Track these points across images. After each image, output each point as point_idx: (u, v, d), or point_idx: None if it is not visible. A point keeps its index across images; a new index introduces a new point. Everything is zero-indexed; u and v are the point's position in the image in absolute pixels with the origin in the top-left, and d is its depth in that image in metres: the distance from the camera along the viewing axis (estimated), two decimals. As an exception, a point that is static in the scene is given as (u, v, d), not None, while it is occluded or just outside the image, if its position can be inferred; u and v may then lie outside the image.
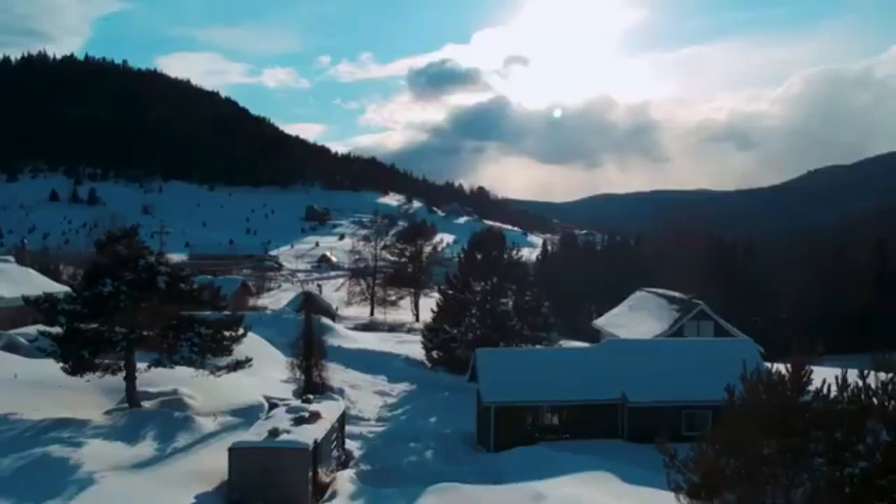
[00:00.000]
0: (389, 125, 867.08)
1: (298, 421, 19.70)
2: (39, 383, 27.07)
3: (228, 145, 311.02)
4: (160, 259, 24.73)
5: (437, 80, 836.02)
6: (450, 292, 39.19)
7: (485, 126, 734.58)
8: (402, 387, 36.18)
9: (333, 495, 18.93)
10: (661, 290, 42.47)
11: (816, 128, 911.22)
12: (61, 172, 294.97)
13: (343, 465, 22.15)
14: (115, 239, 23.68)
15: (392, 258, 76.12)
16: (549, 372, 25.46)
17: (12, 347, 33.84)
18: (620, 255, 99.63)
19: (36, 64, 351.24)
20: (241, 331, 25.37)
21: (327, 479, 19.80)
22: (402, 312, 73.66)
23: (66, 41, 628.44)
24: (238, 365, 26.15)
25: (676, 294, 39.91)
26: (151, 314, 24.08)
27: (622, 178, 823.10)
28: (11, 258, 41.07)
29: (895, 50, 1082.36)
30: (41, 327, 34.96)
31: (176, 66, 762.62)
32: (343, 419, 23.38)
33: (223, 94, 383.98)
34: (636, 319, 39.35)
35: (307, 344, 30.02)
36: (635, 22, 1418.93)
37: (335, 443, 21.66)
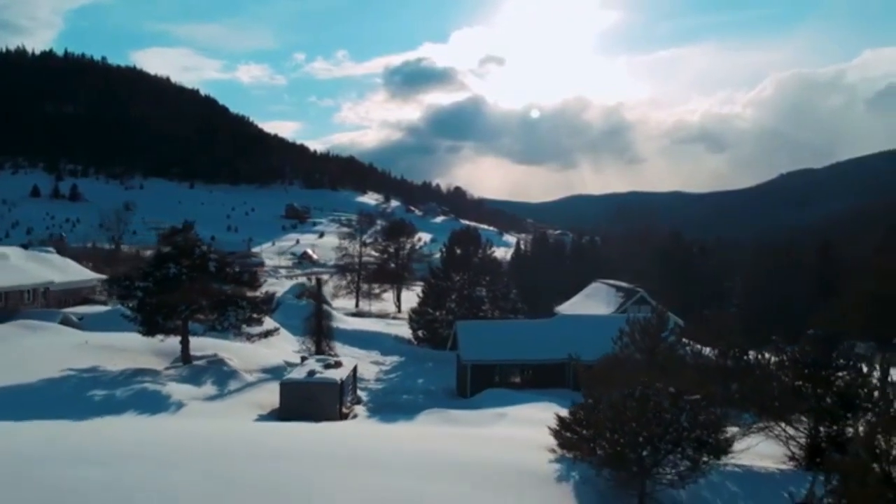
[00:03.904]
0: (365, 123, 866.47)
1: (327, 366, 26.80)
2: (104, 347, 33.76)
3: (208, 144, 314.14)
4: (210, 249, 31.53)
5: (413, 78, 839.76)
6: (433, 281, 46.35)
7: (460, 125, 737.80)
8: (393, 359, 43.30)
9: (355, 417, 26.08)
10: (612, 281, 50.00)
11: (789, 130, 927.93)
12: (41, 168, 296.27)
13: (356, 403, 29.24)
14: (176, 232, 30.43)
15: (376, 254, 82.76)
16: (513, 338, 32.77)
17: (66, 322, 40.35)
18: (589, 254, 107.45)
19: (14, 59, 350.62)
20: (273, 306, 32.29)
21: (347, 410, 26.89)
22: (385, 304, 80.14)
23: (39, 34, 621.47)
24: (269, 333, 33.18)
25: (624, 284, 47.43)
26: (203, 291, 30.91)
27: (598, 179, 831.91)
28: (52, 249, 47.37)
29: (867, 55, 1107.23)
30: (90, 307, 41.69)
31: (151, 61, 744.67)
32: (355, 371, 30.48)
33: (200, 90, 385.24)
34: (589, 305, 46.82)
35: (318, 318, 36.88)
36: (611, 24, 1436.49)
37: (352, 385, 28.77)
